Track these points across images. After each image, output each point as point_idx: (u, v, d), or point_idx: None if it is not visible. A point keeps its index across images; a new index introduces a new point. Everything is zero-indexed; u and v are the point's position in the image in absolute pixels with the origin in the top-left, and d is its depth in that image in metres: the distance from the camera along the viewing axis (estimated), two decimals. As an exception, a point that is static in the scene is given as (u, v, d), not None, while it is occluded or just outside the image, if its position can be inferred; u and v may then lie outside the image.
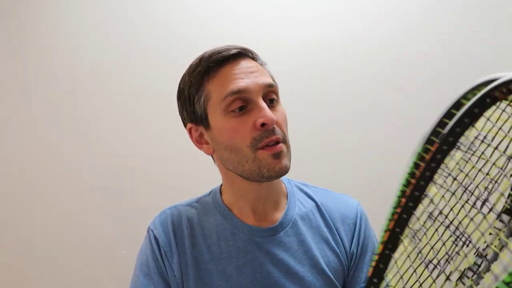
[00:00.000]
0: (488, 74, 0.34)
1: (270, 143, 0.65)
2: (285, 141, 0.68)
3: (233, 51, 0.68)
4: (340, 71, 1.47)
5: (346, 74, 1.47)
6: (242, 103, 0.66)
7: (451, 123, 0.35)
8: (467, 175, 0.38)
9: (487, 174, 0.36)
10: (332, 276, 0.72)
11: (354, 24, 1.47)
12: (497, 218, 0.37)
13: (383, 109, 1.45)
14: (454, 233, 0.39)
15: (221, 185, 0.80)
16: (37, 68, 1.52)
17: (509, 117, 0.33)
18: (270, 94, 0.68)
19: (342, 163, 1.45)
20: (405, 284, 0.40)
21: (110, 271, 1.48)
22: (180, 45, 1.48)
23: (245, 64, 0.68)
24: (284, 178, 0.81)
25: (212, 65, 0.68)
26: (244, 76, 0.66)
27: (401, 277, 0.41)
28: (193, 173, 1.43)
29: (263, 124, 0.64)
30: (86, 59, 1.51)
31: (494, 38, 1.42)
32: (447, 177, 0.39)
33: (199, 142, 0.74)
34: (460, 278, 0.39)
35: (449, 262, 0.39)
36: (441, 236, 0.40)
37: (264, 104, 0.65)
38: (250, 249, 0.72)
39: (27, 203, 1.51)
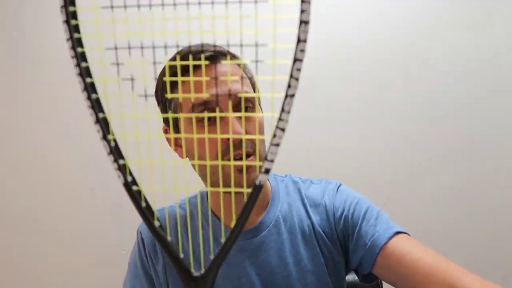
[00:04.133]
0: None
1: (237, 157, 0.62)
2: (256, 152, 0.64)
3: (206, 54, 0.62)
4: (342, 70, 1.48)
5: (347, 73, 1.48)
6: (210, 112, 0.62)
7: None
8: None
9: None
10: (319, 272, 0.70)
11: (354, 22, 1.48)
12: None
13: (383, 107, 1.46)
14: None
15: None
16: (36, 68, 1.51)
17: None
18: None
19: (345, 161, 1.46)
20: None
21: (110, 271, 1.47)
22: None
23: (218, 69, 0.64)
24: (271, 175, 0.78)
25: (182, 69, 0.63)
26: (214, 85, 0.62)
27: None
28: (193, 173, 1.42)
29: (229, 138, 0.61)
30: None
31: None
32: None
33: (174, 144, 0.71)
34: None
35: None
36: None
37: (231, 117, 0.61)
38: (233, 253, 0.68)
39: (27, 203, 1.50)
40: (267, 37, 0.38)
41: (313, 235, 0.71)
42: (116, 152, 0.40)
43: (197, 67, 0.62)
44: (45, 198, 1.50)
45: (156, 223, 0.40)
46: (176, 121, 0.68)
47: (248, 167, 0.62)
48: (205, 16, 0.36)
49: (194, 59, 0.61)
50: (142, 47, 0.37)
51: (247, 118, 0.64)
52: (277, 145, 0.36)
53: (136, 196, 0.40)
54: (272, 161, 0.36)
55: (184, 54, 0.62)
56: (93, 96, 0.38)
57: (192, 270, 0.40)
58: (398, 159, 1.48)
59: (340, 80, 1.47)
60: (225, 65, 0.65)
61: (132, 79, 0.38)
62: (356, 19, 1.47)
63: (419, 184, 1.48)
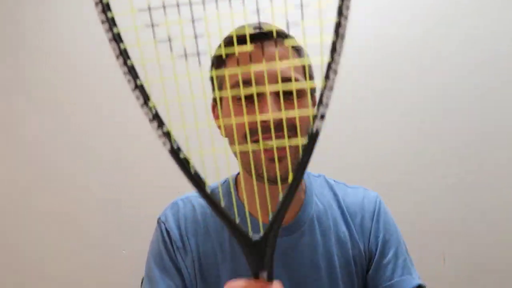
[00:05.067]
0: None
1: (266, 140, 0.58)
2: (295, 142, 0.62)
3: (253, 33, 0.58)
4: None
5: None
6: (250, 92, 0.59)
7: None
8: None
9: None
10: (350, 281, 0.69)
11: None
12: None
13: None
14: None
15: (238, 173, 0.73)
16: (38, 68, 1.48)
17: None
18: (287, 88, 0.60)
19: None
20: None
21: (110, 271, 1.46)
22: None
23: (266, 49, 0.61)
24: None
25: (229, 48, 0.57)
26: (259, 65, 0.59)
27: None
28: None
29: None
30: (88, 59, 1.50)
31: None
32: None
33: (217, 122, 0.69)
34: None
35: None
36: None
37: (269, 100, 0.58)
38: None
39: (27, 203, 1.48)
40: None
41: (348, 242, 0.70)
42: (158, 118, 0.38)
43: (244, 45, 0.56)
44: (45, 198, 1.48)
45: (208, 189, 0.39)
46: (220, 100, 0.66)
47: (280, 158, 0.58)
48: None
49: (239, 39, 0.56)
50: (178, 5, 0.36)
51: (288, 104, 0.60)
52: (331, 88, 0.37)
53: (184, 163, 0.38)
54: (327, 105, 0.37)
55: (230, 34, 0.59)
56: (129, 62, 0.36)
57: (250, 235, 0.39)
58: (411, 151, 1.46)
59: (352, 72, 1.46)
60: (274, 45, 0.62)
61: (169, 40, 0.36)
62: (369, 10, 1.44)
63: (432, 176, 1.47)
